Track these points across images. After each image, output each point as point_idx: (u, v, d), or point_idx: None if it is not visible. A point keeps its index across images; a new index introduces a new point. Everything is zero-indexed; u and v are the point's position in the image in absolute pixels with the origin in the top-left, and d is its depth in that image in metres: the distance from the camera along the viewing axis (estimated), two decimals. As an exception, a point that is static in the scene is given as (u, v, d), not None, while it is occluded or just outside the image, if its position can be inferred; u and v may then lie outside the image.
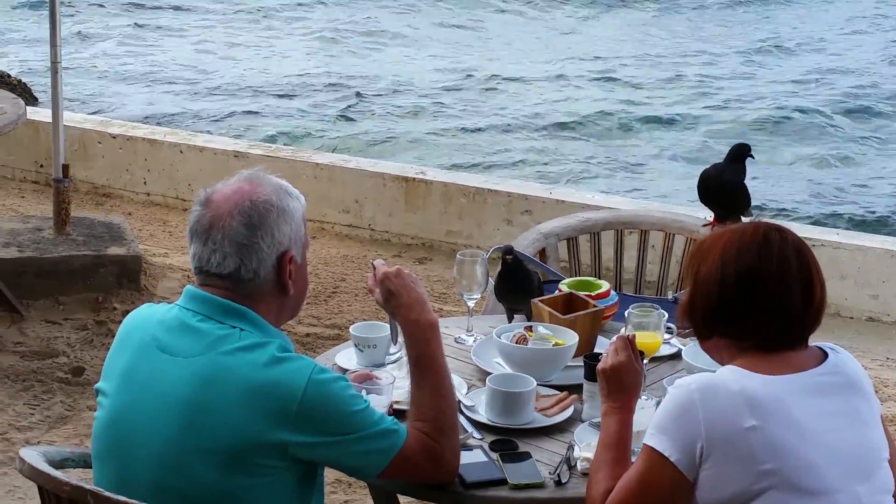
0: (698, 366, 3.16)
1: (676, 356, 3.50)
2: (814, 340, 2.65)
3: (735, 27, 16.85)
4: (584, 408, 3.17)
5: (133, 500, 2.49)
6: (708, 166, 4.76)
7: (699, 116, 12.40)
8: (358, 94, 12.67)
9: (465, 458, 2.86)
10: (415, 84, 13.30)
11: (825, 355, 2.62)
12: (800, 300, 2.57)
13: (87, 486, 2.53)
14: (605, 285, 3.85)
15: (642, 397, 2.96)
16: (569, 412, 3.17)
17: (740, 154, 4.61)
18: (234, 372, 2.56)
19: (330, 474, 2.81)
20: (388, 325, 3.23)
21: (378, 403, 2.85)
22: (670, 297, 4.67)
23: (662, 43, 15.78)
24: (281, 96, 12.77)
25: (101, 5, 16.56)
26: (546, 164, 10.98)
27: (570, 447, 2.97)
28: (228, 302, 2.65)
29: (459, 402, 3.09)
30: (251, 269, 2.65)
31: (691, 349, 3.30)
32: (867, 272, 6.48)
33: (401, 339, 2.89)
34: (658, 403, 2.79)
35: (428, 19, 16.78)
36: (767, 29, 16.67)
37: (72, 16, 15.58)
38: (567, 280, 3.95)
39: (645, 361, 3.09)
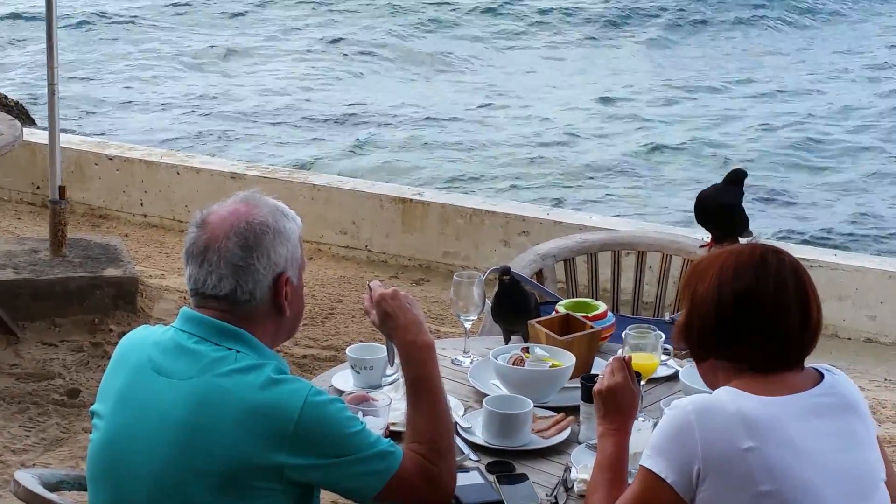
0: (695, 387, 3.15)
1: (673, 378, 3.49)
2: (811, 361, 2.65)
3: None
4: (581, 429, 3.16)
5: (128, 523, 2.48)
6: (705, 187, 4.76)
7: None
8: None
9: (462, 479, 2.85)
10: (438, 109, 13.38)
11: (821, 376, 2.62)
12: (797, 321, 2.57)
13: (82, 509, 2.53)
14: (602, 306, 3.85)
15: (639, 419, 2.95)
16: (565, 434, 3.17)
17: (737, 178, 4.62)
18: (229, 394, 2.55)
19: (326, 496, 2.80)
20: (384, 347, 3.22)
21: (374, 425, 2.85)
22: (667, 318, 4.66)
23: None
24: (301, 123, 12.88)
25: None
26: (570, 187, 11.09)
27: (567, 469, 2.97)
28: (224, 324, 2.64)
29: (456, 423, 3.09)
30: (247, 291, 2.65)
31: (688, 371, 3.30)
32: (865, 293, 6.48)
33: (397, 360, 2.88)
34: (655, 425, 2.78)
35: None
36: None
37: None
38: (564, 301, 3.94)
39: (642, 383, 3.09)
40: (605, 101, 13.84)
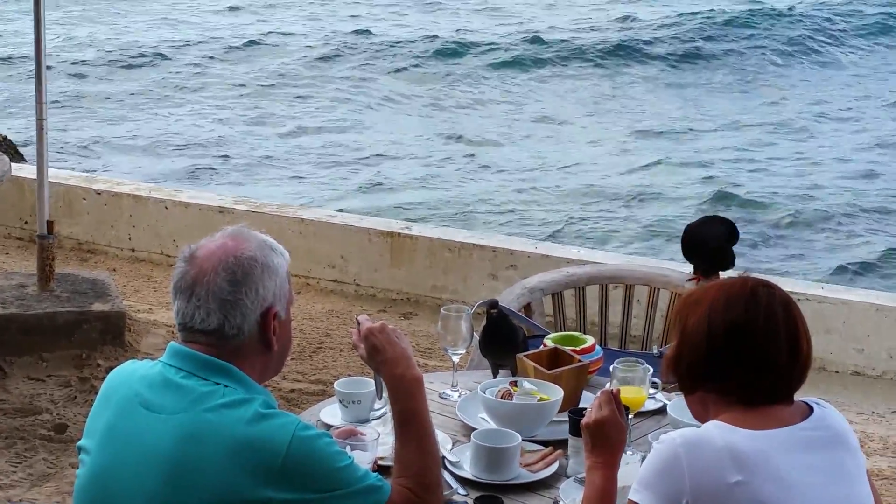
0: (683, 421, 3.15)
1: (661, 411, 3.49)
2: (799, 395, 2.65)
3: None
4: (570, 463, 3.16)
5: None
6: (692, 222, 4.77)
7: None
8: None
9: (450, 514, 2.85)
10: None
11: (810, 410, 2.62)
12: (786, 355, 2.57)
13: (69, 545, 2.52)
14: (590, 340, 3.85)
15: (627, 452, 2.95)
16: (554, 468, 3.17)
17: (724, 220, 4.65)
18: (217, 429, 2.55)
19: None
20: (372, 381, 3.22)
21: (362, 459, 2.84)
22: (655, 351, 4.67)
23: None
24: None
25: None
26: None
27: (556, 503, 2.96)
28: (212, 358, 2.64)
29: (444, 457, 3.08)
30: (235, 326, 2.64)
31: (676, 404, 3.30)
32: (853, 326, 6.49)
33: (385, 394, 2.88)
34: (643, 458, 2.78)
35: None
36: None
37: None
38: (552, 335, 3.94)
39: (630, 416, 3.09)
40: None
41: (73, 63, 17.78)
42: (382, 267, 7.33)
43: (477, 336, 3.75)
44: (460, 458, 3.18)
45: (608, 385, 3.29)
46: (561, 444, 3.23)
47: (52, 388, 5.72)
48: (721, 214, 4.85)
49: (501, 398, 3.40)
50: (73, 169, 11.77)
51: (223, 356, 2.64)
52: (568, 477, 3.11)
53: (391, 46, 19.13)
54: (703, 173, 13.08)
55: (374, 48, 19.15)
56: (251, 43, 19.60)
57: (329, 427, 3.28)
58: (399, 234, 7.35)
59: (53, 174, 7.54)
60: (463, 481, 3.10)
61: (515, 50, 18.93)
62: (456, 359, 3.66)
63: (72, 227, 7.92)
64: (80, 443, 2.73)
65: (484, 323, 3.75)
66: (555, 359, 3.66)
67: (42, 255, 6.20)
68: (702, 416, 2.65)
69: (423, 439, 2.76)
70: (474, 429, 3.29)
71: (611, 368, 3.33)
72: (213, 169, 12.94)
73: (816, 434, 2.58)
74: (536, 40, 19.39)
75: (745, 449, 2.49)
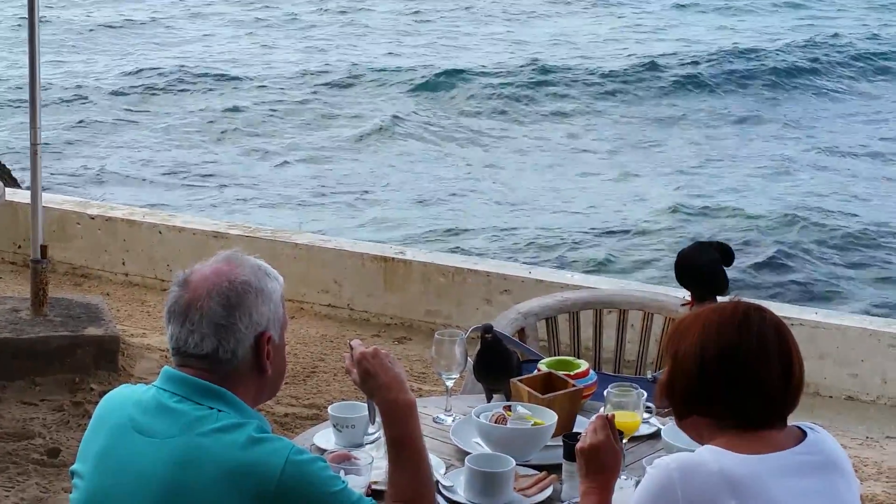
0: (678, 445, 3.15)
1: (655, 436, 3.49)
2: (793, 419, 2.65)
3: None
4: (564, 488, 3.16)
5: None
6: (685, 247, 4.77)
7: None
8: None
9: (444, 539, 2.84)
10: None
11: (804, 434, 2.62)
12: (779, 379, 2.58)
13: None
14: (584, 365, 3.85)
15: (621, 477, 2.95)
16: (548, 492, 3.16)
17: (717, 244, 4.66)
18: (211, 453, 2.54)
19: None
20: (366, 406, 3.21)
21: (356, 484, 2.83)
22: (649, 376, 4.66)
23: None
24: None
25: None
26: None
27: (550, 528, 2.96)
28: (206, 383, 2.64)
29: (438, 482, 3.08)
30: (229, 350, 2.64)
31: (670, 429, 3.30)
32: (846, 351, 6.49)
33: (379, 419, 2.88)
34: (637, 483, 2.78)
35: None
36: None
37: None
38: (546, 359, 3.94)
39: (624, 441, 3.08)
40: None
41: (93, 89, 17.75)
42: (376, 291, 7.33)
43: (471, 361, 3.75)
44: (454, 483, 3.17)
45: (602, 410, 3.29)
46: (555, 469, 3.23)
47: (46, 412, 5.70)
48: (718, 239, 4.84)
49: (495, 423, 3.40)
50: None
51: (217, 381, 2.64)
52: (562, 502, 3.11)
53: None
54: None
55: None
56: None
57: (323, 451, 3.28)
58: (393, 258, 7.35)
59: (47, 198, 7.55)
60: (457, 506, 3.10)
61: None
62: (450, 383, 3.66)
63: (66, 251, 7.91)
64: (73, 467, 2.72)
65: (478, 347, 3.75)
66: (549, 383, 3.66)
67: (36, 280, 6.19)
68: (695, 440, 2.65)
69: (417, 464, 2.76)
70: (468, 453, 3.28)
71: (605, 393, 3.33)
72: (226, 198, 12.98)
73: (810, 458, 2.58)
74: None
75: (740, 473, 2.49)
